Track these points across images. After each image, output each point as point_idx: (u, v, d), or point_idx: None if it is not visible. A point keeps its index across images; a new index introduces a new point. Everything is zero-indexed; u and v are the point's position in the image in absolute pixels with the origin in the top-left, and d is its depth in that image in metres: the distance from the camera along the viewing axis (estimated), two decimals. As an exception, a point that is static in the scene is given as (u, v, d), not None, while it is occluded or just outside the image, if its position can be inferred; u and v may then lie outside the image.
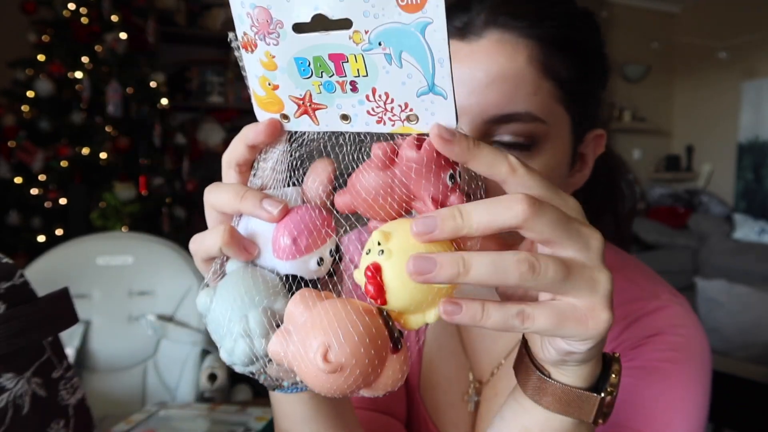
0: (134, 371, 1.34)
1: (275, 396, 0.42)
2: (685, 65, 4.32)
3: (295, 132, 0.34)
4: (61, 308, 0.37)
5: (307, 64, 0.30)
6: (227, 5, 0.30)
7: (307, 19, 0.29)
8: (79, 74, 2.17)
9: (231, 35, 0.31)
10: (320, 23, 0.29)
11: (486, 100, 0.40)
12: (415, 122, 0.30)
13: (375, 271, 0.28)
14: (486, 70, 0.40)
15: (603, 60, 0.47)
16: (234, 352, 0.31)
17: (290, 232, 0.31)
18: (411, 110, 0.30)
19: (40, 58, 2.18)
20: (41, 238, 2.09)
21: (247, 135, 0.33)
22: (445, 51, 0.27)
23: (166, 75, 2.65)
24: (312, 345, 0.28)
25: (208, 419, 1.01)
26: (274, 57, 0.31)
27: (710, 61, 3.84)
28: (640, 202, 4.09)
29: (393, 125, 0.31)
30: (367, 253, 0.29)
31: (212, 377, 1.35)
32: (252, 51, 0.31)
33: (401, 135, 0.31)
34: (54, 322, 0.36)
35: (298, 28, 0.30)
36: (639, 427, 0.45)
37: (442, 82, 0.28)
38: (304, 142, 0.34)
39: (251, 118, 0.34)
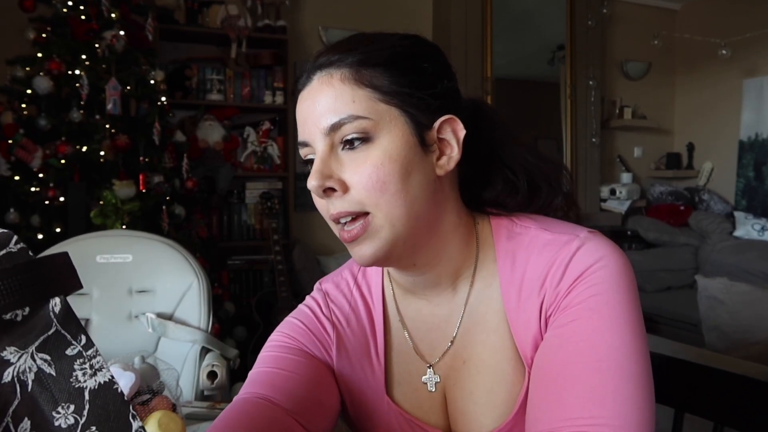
0: (134, 370, 1.33)
1: None
2: (686, 63, 4.31)
3: None
4: (62, 269, 0.34)
5: None
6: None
7: None
8: (78, 72, 2.16)
9: None
10: None
11: (320, 117, 0.56)
12: None
13: None
14: (315, 98, 0.57)
15: (419, 65, 0.59)
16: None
17: None
18: None
19: (39, 55, 2.17)
20: (40, 237, 2.08)
21: None
22: None
23: (166, 72, 2.64)
24: None
25: (209, 417, 1.01)
26: None
27: (711, 58, 3.83)
28: (640, 200, 4.10)
29: None
30: None
31: (212, 375, 1.34)
32: None
33: None
34: (56, 282, 0.33)
35: None
36: (588, 352, 0.53)
37: None
38: None
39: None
